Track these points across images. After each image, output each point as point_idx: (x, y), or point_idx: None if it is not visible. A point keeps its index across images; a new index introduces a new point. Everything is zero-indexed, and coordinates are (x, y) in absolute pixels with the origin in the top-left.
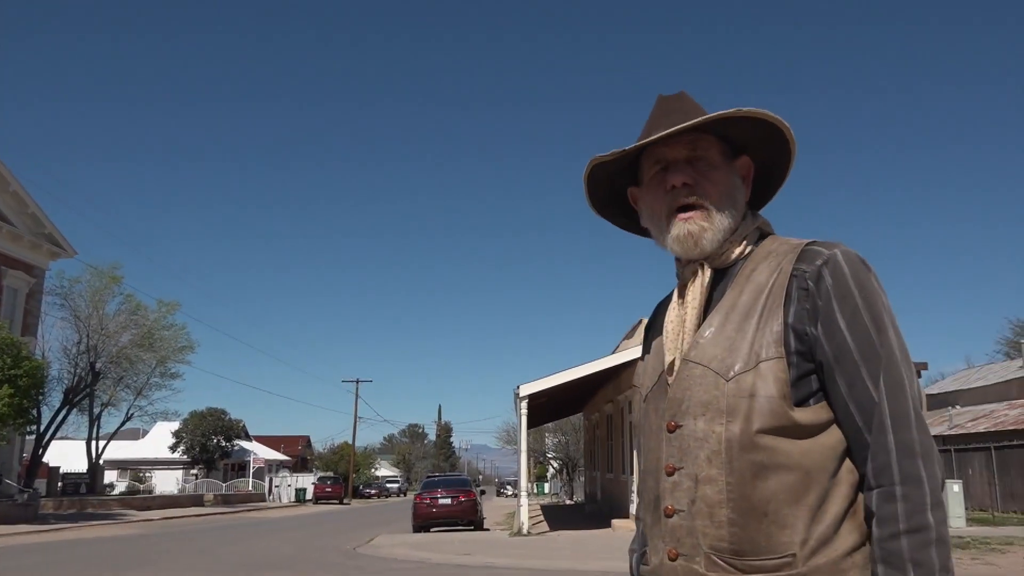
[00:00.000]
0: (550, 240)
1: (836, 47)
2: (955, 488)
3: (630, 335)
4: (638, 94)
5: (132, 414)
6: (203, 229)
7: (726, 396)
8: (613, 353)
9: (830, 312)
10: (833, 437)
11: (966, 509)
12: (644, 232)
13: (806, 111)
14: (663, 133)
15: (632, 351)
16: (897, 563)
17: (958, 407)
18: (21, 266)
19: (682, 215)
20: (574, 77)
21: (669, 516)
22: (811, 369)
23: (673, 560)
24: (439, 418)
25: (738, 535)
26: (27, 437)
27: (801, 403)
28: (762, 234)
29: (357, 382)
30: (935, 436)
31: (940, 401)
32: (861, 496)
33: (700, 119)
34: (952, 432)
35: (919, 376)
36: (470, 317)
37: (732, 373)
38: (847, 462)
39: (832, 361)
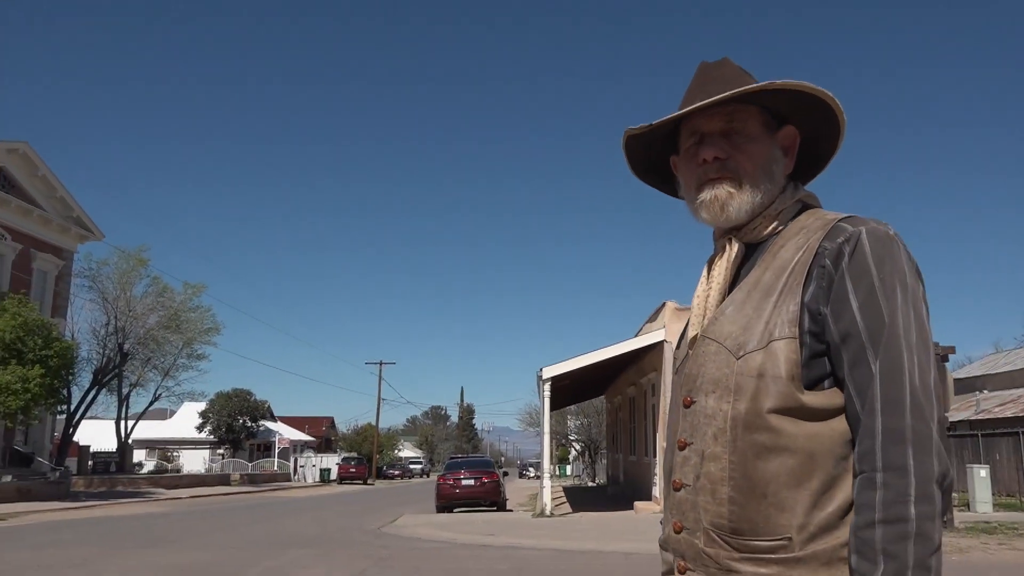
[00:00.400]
0: (575, 223)
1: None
2: (982, 473)
3: (653, 318)
4: (679, 66)
5: (160, 394)
6: (229, 211)
7: (735, 374)
8: (636, 336)
9: (843, 291)
10: (844, 423)
11: (993, 494)
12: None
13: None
14: (692, 107)
15: (655, 334)
16: (869, 554)
17: (985, 392)
18: (50, 249)
19: (712, 182)
20: (610, 52)
21: (677, 490)
22: (823, 350)
23: (678, 533)
24: (462, 400)
25: (737, 513)
26: (58, 417)
27: (813, 385)
28: (804, 207)
29: (381, 364)
30: (962, 421)
31: (967, 386)
32: None
33: (729, 93)
34: (979, 417)
35: (946, 360)
36: (493, 299)
37: (743, 352)
38: None
39: (839, 342)
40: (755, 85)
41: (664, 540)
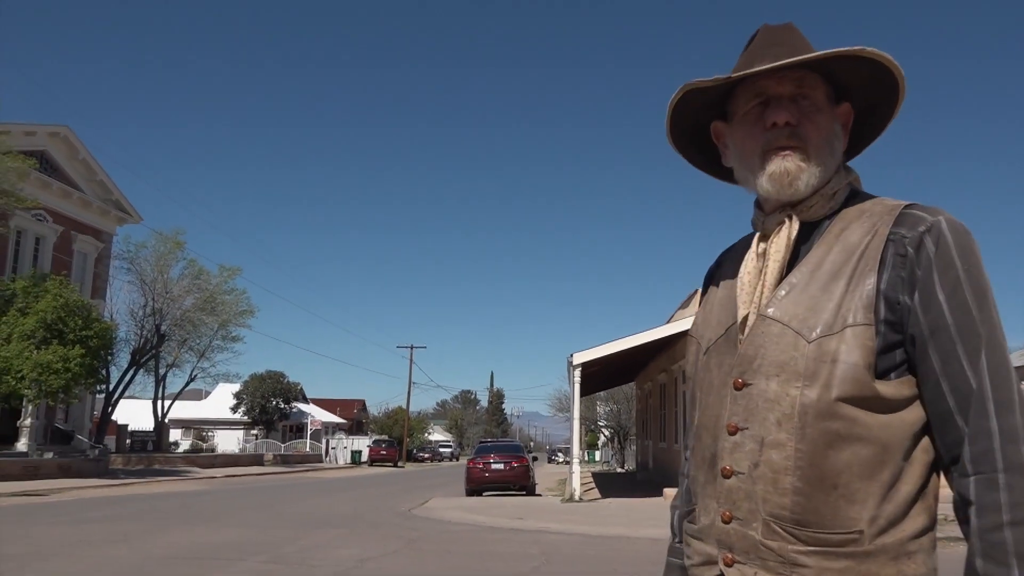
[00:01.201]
0: (608, 208)
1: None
2: None
3: (685, 305)
4: (714, 54)
5: (195, 375)
6: (264, 194)
7: (805, 358)
8: (668, 323)
9: (929, 283)
10: (914, 414)
11: None
12: (719, 172)
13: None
14: (775, 64)
15: (687, 321)
16: (1000, 556)
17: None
18: (90, 231)
19: (781, 152)
20: (655, 35)
21: (727, 477)
22: (898, 341)
23: (727, 523)
24: (491, 385)
25: (802, 504)
26: (97, 396)
27: (882, 375)
28: (852, 191)
29: (412, 348)
30: None
31: None
32: (933, 478)
33: (820, 53)
34: None
35: None
36: (525, 284)
37: (815, 335)
38: (924, 441)
39: (927, 335)
40: (842, 49)
41: (699, 530)
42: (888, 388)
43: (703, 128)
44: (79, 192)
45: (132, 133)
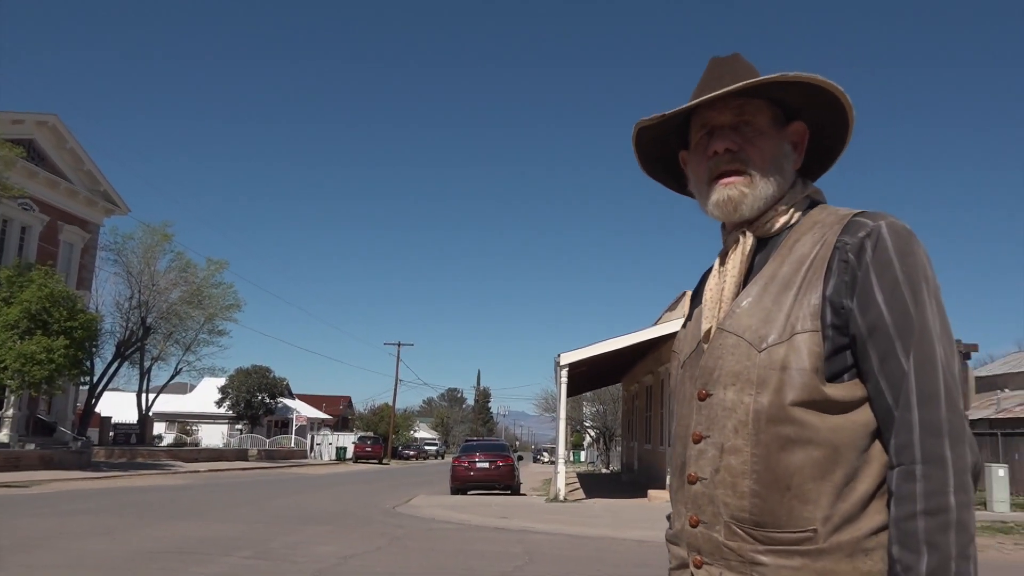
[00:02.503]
0: (596, 208)
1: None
2: (1000, 472)
3: (673, 307)
4: (695, 57)
5: (180, 369)
6: (252, 189)
7: (757, 367)
8: (655, 325)
9: (868, 285)
10: (866, 415)
11: (1011, 494)
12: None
13: (867, 81)
14: (704, 97)
15: (674, 323)
16: (912, 545)
17: (1007, 391)
18: (77, 222)
19: (724, 180)
20: (630, 38)
21: (692, 483)
22: (846, 344)
23: (694, 527)
24: (478, 383)
25: (759, 506)
26: (81, 388)
27: (834, 378)
28: (812, 203)
29: (399, 345)
30: (982, 419)
31: (989, 384)
32: None
33: (741, 84)
34: (1000, 416)
35: (968, 358)
36: (512, 284)
37: (765, 344)
38: (879, 441)
39: (865, 335)
40: (766, 77)
41: (674, 535)
42: (839, 391)
43: (675, 154)
44: (66, 182)
45: (121, 124)
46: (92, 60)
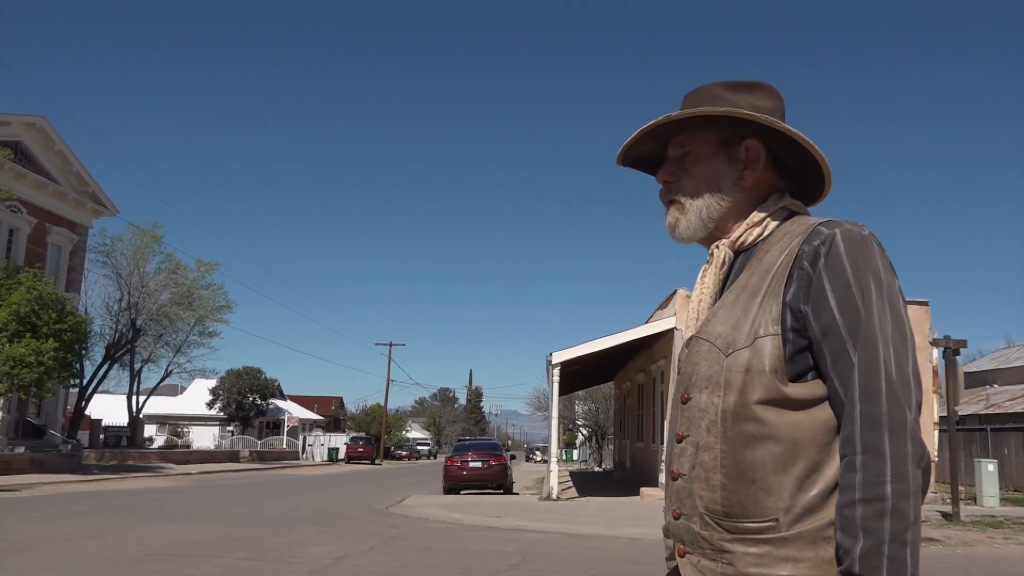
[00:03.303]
0: (587, 208)
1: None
2: (990, 467)
3: (663, 306)
4: (696, 55)
5: (171, 370)
6: (242, 190)
7: (724, 370)
8: (646, 323)
9: (821, 290)
10: (827, 412)
11: (1000, 489)
12: None
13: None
14: (627, 142)
15: (665, 322)
16: (850, 530)
17: (996, 386)
18: (65, 223)
19: (667, 208)
20: (625, 37)
21: (675, 479)
22: (806, 345)
23: (677, 519)
24: (470, 383)
25: (729, 499)
26: (71, 390)
27: (797, 378)
28: (791, 215)
29: (390, 345)
30: (971, 415)
31: (978, 380)
32: None
33: (637, 133)
34: (989, 411)
35: (957, 354)
36: (504, 283)
37: (732, 349)
38: None
39: (820, 337)
40: (656, 120)
41: (665, 527)
42: (800, 390)
43: None
44: (54, 183)
45: (109, 125)
46: (80, 61)
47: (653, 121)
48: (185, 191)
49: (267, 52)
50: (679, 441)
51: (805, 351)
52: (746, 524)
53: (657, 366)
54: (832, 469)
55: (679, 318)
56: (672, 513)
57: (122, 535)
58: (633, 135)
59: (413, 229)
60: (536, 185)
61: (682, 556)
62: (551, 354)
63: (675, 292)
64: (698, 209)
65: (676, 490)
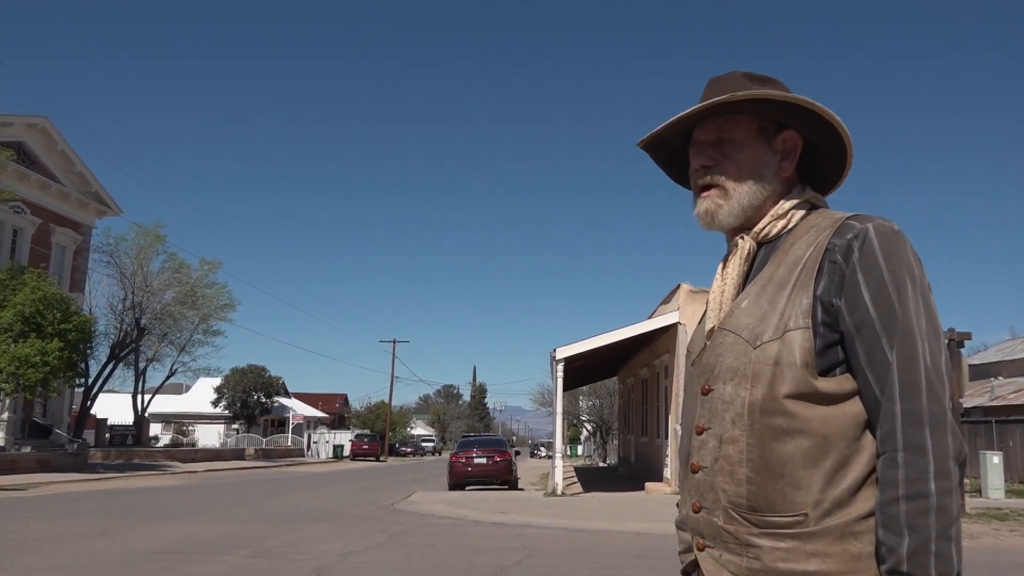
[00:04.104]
0: (591, 203)
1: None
2: (995, 459)
3: (667, 300)
4: (695, 53)
5: (176, 369)
6: (245, 188)
7: (752, 363)
8: (650, 318)
9: (855, 284)
10: (856, 406)
11: (1006, 481)
12: None
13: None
14: (666, 123)
15: (669, 316)
16: (895, 528)
17: (1000, 378)
18: (69, 224)
19: (703, 193)
20: (629, 34)
21: (695, 472)
22: (837, 340)
23: (697, 512)
24: (474, 379)
25: (755, 492)
26: (76, 390)
27: (826, 372)
28: (813, 207)
29: (394, 342)
30: (976, 407)
31: (982, 372)
32: None
33: (689, 111)
34: (994, 403)
35: (961, 346)
36: (507, 279)
37: (760, 341)
38: (870, 431)
39: (853, 331)
40: (719, 98)
41: (681, 520)
42: (829, 384)
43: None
44: (57, 184)
45: (112, 125)
46: (81, 62)
47: (712, 100)
48: (187, 190)
49: (269, 50)
50: (699, 433)
51: (835, 345)
52: (773, 518)
53: (661, 360)
54: (861, 464)
55: (683, 313)
56: (692, 506)
57: (128, 533)
58: (683, 113)
59: (416, 226)
60: (539, 180)
61: (701, 550)
62: (555, 350)
63: (678, 287)
64: (740, 196)
65: (696, 483)
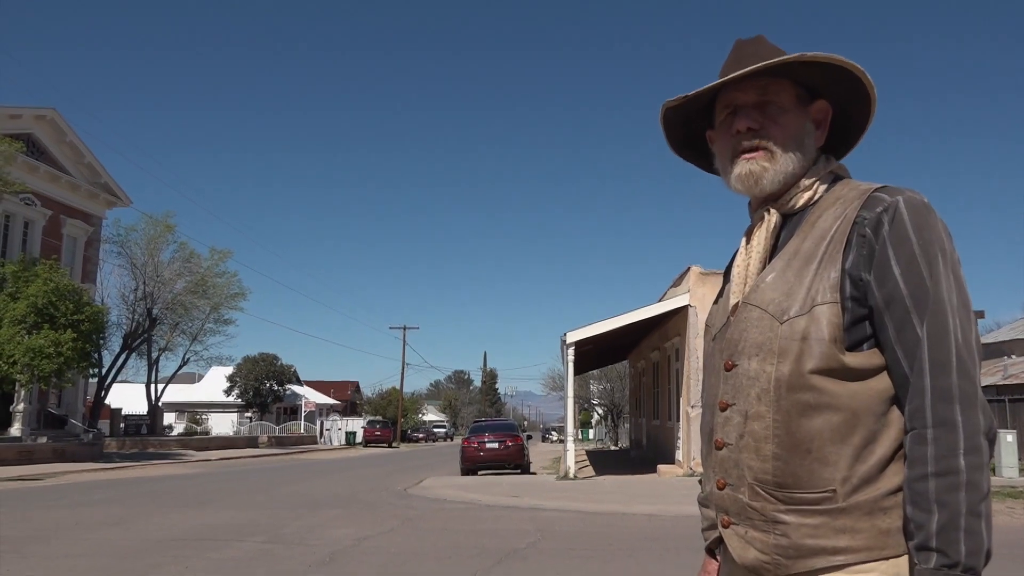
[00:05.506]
0: (600, 187)
1: None
2: (1008, 438)
3: (677, 283)
4: (704, 40)
5: (188, 359)
6: (255, 177)
7: (779, 338)
8: (660, 301)
9: (885, 258)
10: (884, 382)
11: (1020, 459)
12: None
13: (883, 53)
14: (729, 77)
15: (679, 299)
16: (924, 504)
17: (1013, 356)
18: (79, 215)
19: (746, 155)
20: (639, 17)
21: (719, 448)
22: (865, 315)
23: (721, 489)
24: (485, 364)
25: (781, 469)
26: (90, 380)
27: (854, 347)
28: (836, 179)
29: (404, 329)
30: (989, 386)
31: (995, 351)
32: None
33: (763, 64)
34: (1007, 382)
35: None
36: (517, 264)
37: (787, 316)
38: (898, 407)
39: (883, 306)
40: (788, 56)
41: (705, 497)
42: (857, 359)
43: (701, 133)
44: (67, 175)
45: (120, 116)
46: (89, 53)
47: (773, 59)
48: (197, 180)
49: (278, 39)
50: (723, 410)
51: (863, 320)
52: (801, 495)
53: (672, 343)
54: (888, 440)
55: (693, 295)
56: (716, 483)
57: (144, 521)
58: (732, 74)
59: (425, 212)
60: (548, 165)
61: (726, 527)
62: (565, 334)
63: (688, 269)
64: (785, 163)
65: (720, 460)
